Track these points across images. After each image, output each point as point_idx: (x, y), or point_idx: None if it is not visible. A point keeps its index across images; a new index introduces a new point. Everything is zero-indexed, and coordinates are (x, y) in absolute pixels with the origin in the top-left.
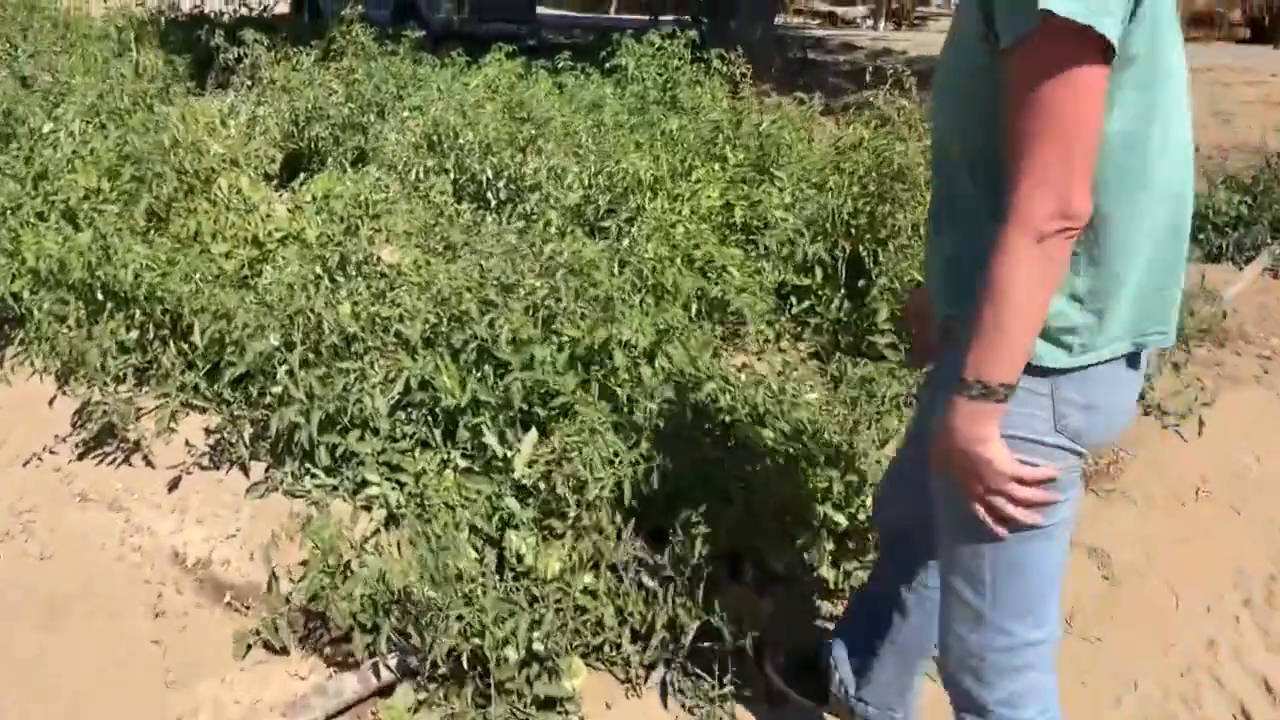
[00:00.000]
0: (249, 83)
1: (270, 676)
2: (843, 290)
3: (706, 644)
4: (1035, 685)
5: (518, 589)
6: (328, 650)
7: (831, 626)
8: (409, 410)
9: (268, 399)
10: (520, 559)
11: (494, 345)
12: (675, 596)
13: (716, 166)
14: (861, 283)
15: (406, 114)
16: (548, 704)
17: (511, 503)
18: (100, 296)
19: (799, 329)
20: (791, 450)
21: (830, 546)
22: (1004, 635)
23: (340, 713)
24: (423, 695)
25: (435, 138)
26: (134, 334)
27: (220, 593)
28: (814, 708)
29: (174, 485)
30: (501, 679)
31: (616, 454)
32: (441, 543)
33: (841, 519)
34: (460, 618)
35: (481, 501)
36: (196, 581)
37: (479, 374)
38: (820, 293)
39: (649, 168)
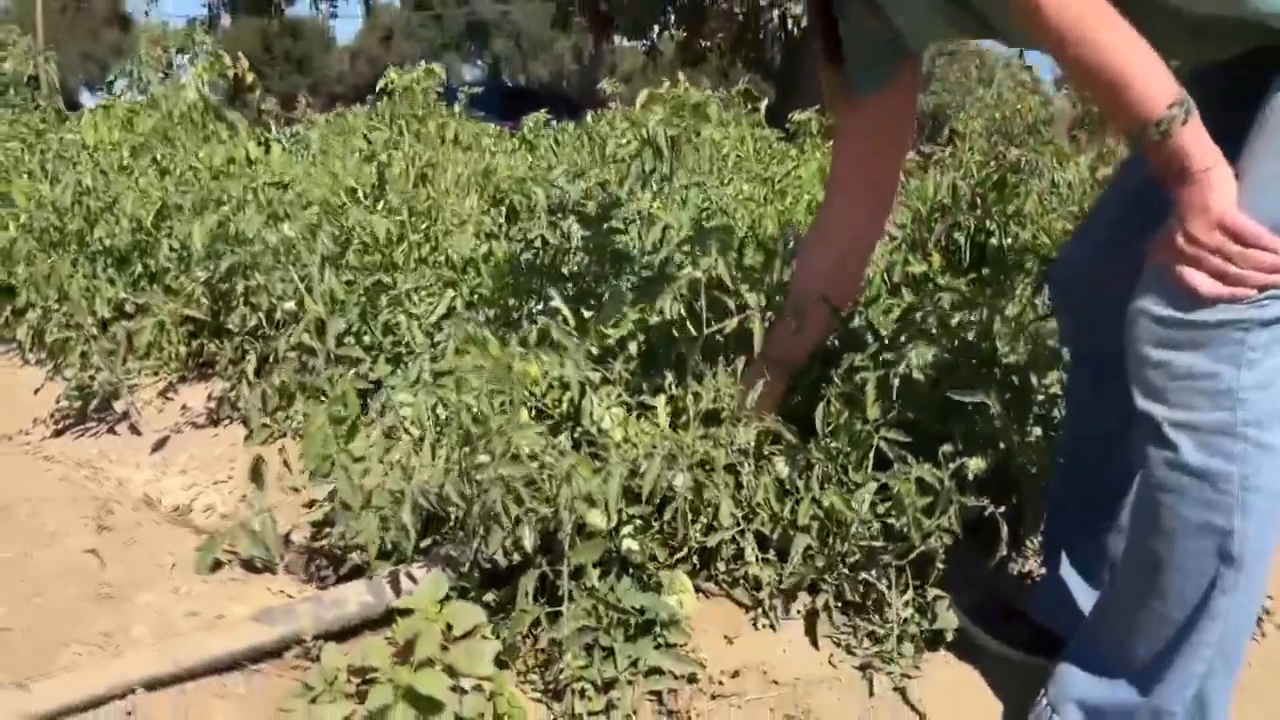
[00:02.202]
0: None
1: (246, 593)
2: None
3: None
4: None
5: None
6: (329, 575)
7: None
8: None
9: (279, 314)
10: (601, 430)
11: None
12: (826, 481)
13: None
14: (986, 270)
15: None
16: (643, 628)
17: (588, 372)
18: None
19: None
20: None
21: None
22: None
23: (341, 633)
24: (462, 589)
25: None
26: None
27: (197, 530)
28: (1014, 658)
29: (159, 445)
30: (580, 564)
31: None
32: (492, 424)
33: None
34: (513, 492)
35: (548, 382)
36: (164, 521)
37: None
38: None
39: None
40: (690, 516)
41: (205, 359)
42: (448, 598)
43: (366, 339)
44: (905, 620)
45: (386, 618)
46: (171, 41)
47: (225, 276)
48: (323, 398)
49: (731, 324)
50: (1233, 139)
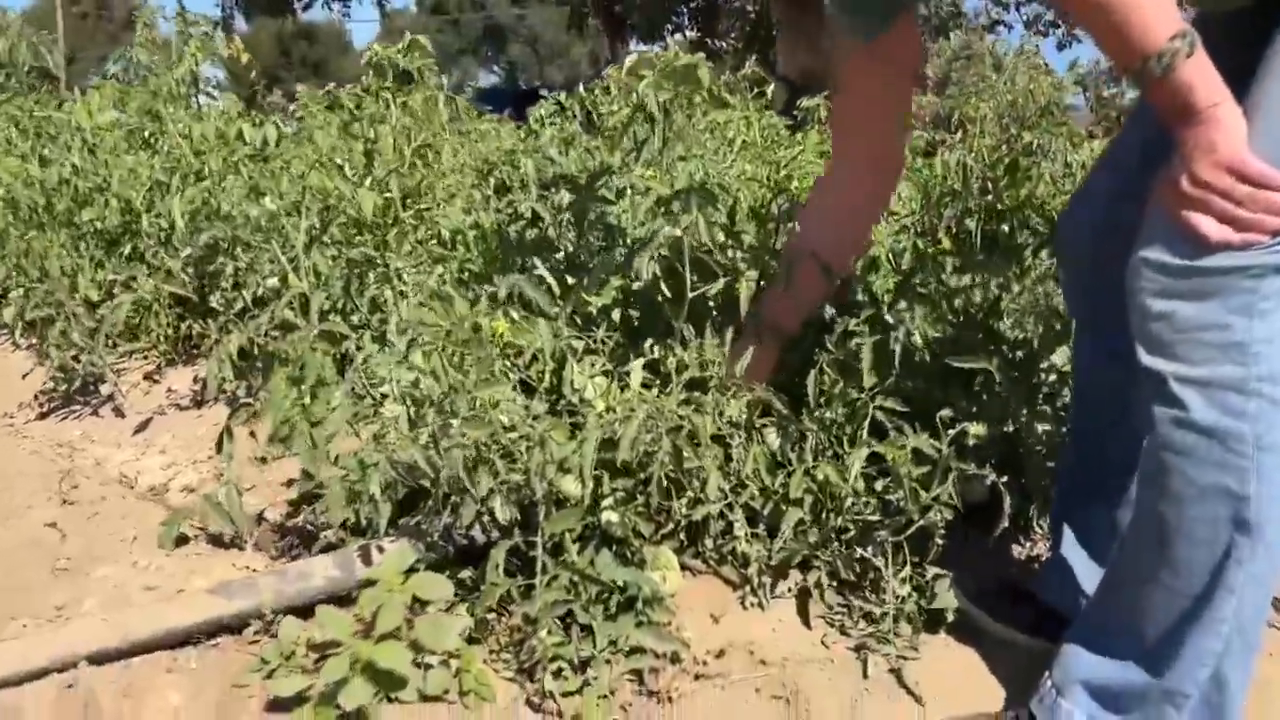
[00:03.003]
0: None
1: (210, 568)
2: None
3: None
4: None
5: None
6: (301, 553)
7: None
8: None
9: (261, 291)
10: (582, 399)
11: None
12: (818, 459)
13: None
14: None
15: None
16: (624, 605)
17: (570, 340)
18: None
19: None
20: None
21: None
22: None
23: (306, 609)
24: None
25: None
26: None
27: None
28: (1018, 641)
29: (142, 427)
30: (554, 533)
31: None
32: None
33: None
34: (484, 459)
35: (532, 352)
36: (138, 499)
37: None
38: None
39: None
40: (675, 490)
41: (194, 340)
42: (416, 570)
43: (355, 317)
44: (902, 599)
45: (354, 589)
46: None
47: (208, 254)
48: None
49: (717, 286)
50: (1241, 81)
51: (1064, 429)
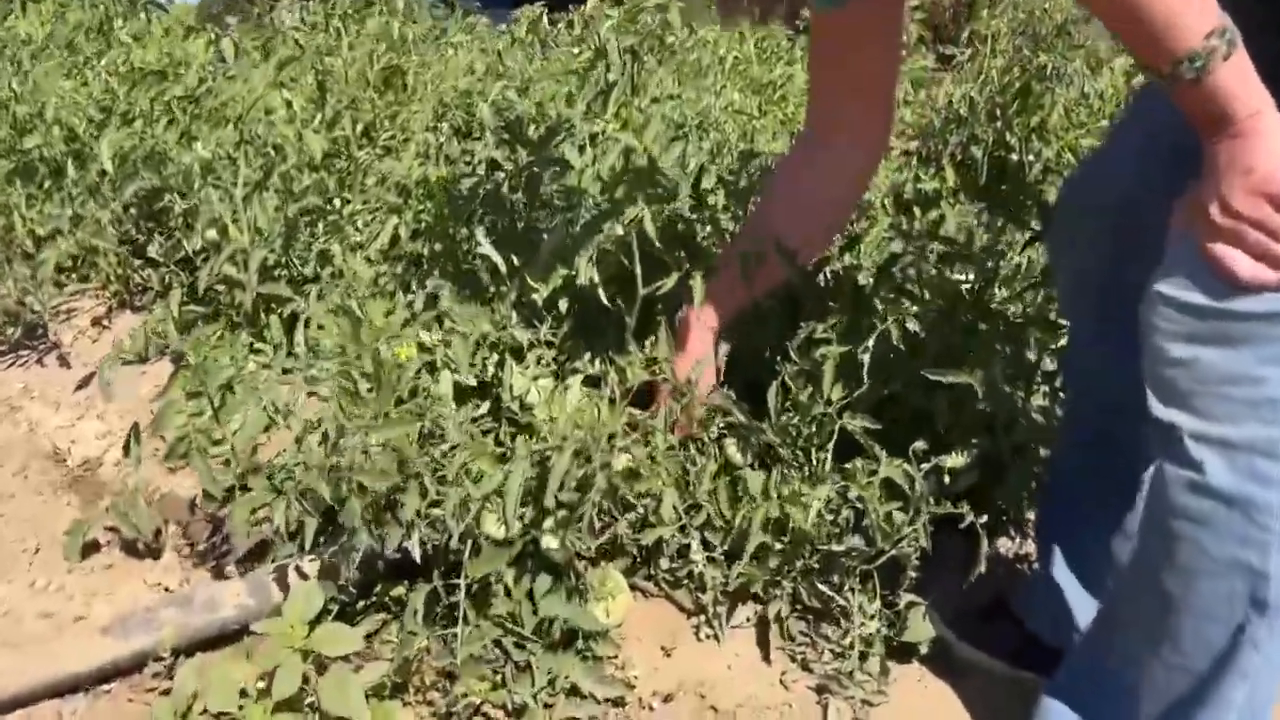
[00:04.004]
0: None
1: (119, 586)
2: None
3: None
4: None
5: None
6: (227, 564)
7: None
8: (396, 264)
9: (199, 244)
10: (524, 405)
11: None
12: (782, 481)
13: None
14: (1005, 187)
15: None
16: (564, 640)
17: (515, 331)
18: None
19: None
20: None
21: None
22: None
23: (214, 642)
24: (343, 609)
25: None
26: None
27: (97, 495)
28: (998, 671)
29: (85, 383)
30: (477, 576)
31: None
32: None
33: None
34: (421, 485)
35: (469, 341)
36: (67, 478)
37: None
38: (953, 200)
39: None
40: (623, 509)
41: (145, 283)
42: (326, 611)
43: (308, 269)
44: (871, 634)
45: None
46: None
47: (146, 199)
48: (253, 338)
49: (669, 283)
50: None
51: (1057, 420)
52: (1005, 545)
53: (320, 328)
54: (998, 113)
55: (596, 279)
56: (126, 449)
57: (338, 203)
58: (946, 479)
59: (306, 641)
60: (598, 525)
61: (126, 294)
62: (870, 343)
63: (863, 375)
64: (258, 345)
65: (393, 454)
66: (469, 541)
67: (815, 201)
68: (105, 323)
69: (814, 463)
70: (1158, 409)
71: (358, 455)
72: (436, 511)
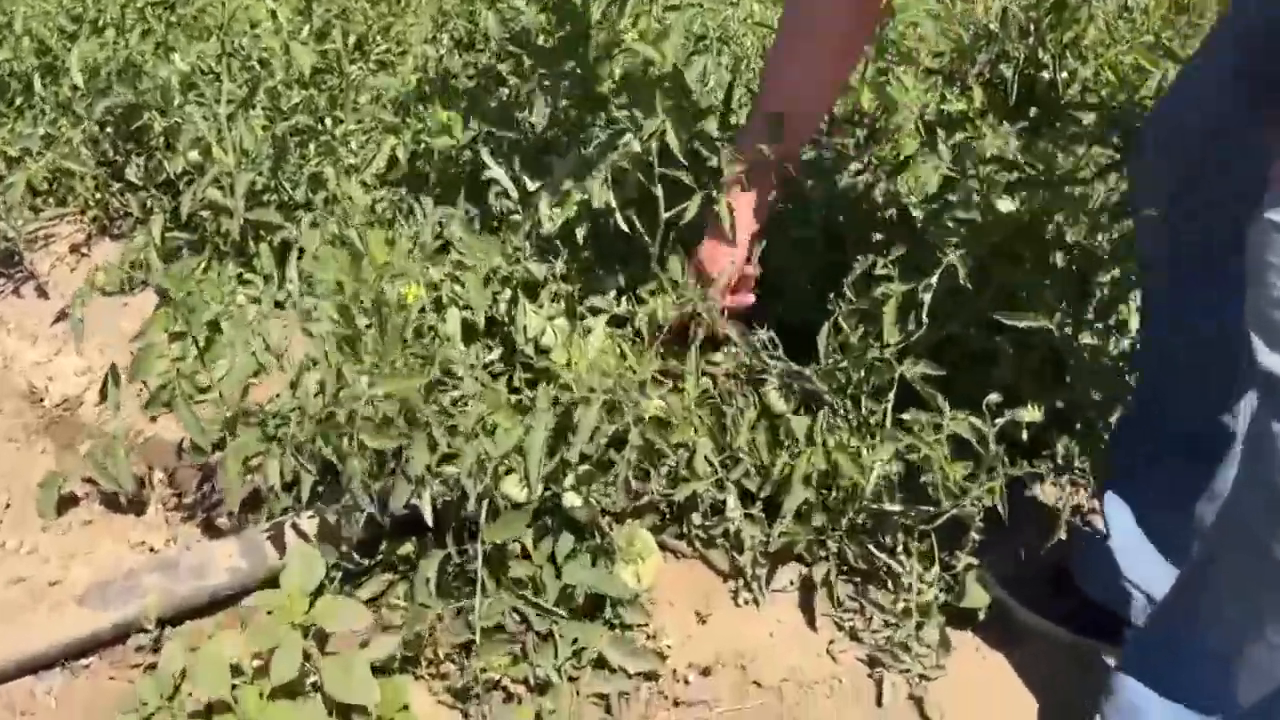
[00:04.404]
0: None
1: (98, 545)
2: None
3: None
4: None
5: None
6: (217, 516)
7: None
8: (393, 189)
9: (181, 166)
10: (540, 349)
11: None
12: (829, 429)
13: None
14: (1035, 111)
15: None
16: (590, 607)
17: (531, 265)
18: None
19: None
20: None
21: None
22: None
23: (205, 608)
24: (347, 571)
25: None
26: None
27: (76, 439)
28: (1060, 638)
29: (63, 315)
30: (495, 541)
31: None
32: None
33: None
34: (430, 437)
35: (479, 273)
36: (43, 420)
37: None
38: (981, 122)
39: None
40: (653, 461)
41: (126, 208)
42: (330, 580)
43: (299, 193)
44: (928, 601)
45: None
46: None
47: (121, 119)
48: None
49: (693, 206)
50: None
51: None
52: (1055, 495)
53: (315, 259)
54: (1030, 28)
55: (614, 202)
56: (104, 394)
57: (329, 122)
58: (1022, 434)
59: (307, 616)
60: (632, 484)
61: (106, 219)
62: (934, 280)
63: (921, 316)
64: (246, 276)
65: (398, 405)
66: (485, 502)
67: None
68: (84, 250)
69: (864, 411)
70: (1264, 356)
71: (361, 407)
72: (449, 469)
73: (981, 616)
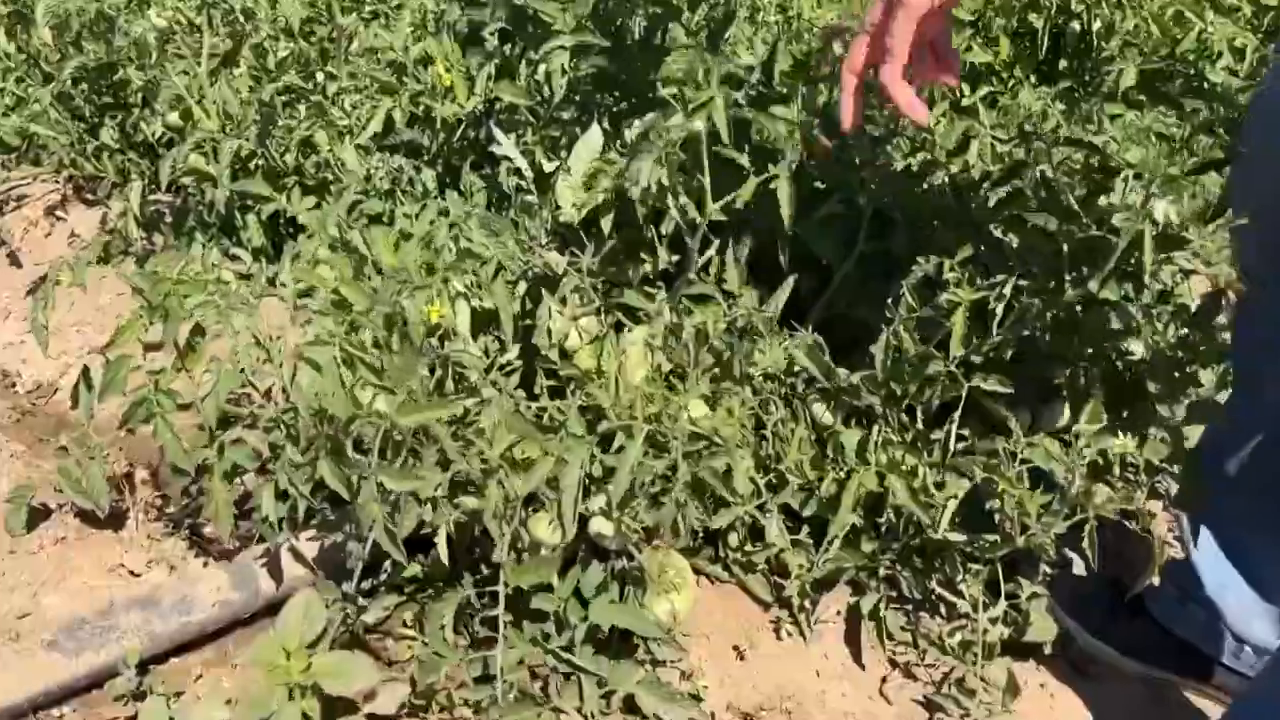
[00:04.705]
0: None
1: (73, 568)
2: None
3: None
4: None
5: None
6: (204, 526)
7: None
8: (391, 154)
9: (159, 130)
10: (565, 354)
11: None
12: (883, 445)
13: None
14: (1065, 64)
15: None
16: (618, 641)
17: (548, 255)
18: None
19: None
20: None
21: None
22: None
23: (189, 645)
24: (344, 614)
25: None
26: None
27: (51, 433)
28: (1132, 671)
29: (38, 285)
30: (518, 585)
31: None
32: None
33: None
34: (442, 454)
35: (492, 263)
36: (15, 412)
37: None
38: (1008, 75)
39: None
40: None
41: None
42: (329, 602)
43: (289, 158)
44: (992, 640)
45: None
46: None
47: (95, 75)
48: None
49: (746, 191)
50: None
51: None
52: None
53: (312, 263)
54: None
55: (669, 183)
56: (75, 398)
57: (321, 77)
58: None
59: (306, 673)
60: (680, 528)
61: (82, 179)
62: (1007, 289)
63: (992, 330)
64: (234, 250)
65: (421, 440)
66: (508, 540)
67: None
68: (60, 213)
69: (919, 424)
70: None
71: (375, 441)
72: (469, 501)
73: (1048, 651)
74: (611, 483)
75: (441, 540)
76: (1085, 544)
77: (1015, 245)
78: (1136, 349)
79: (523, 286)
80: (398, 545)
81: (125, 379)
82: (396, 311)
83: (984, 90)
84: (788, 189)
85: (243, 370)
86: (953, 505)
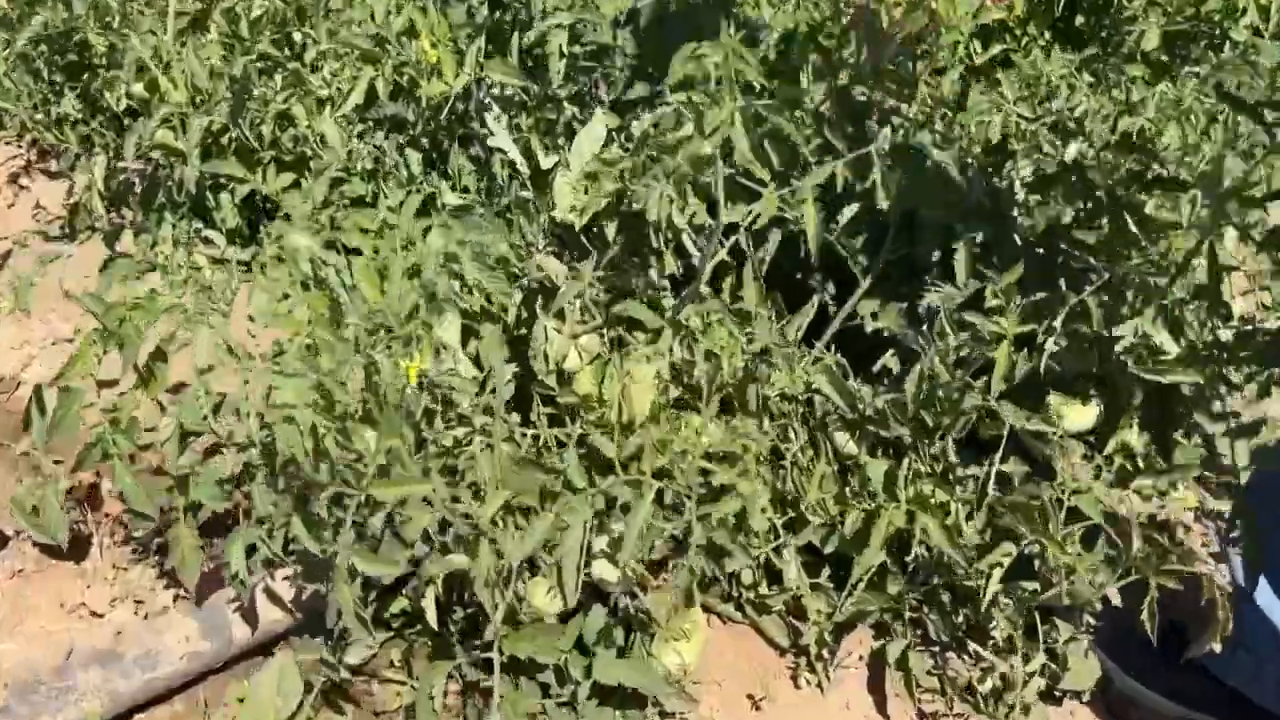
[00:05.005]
0: None
1: (30, 608)
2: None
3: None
4: None
5: (556, 446)
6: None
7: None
8: (373, 130)
9: (122, 100)
10: (564, 376)
11: None
12: (913, 479)
13: None
14: (1081, 20)
15: None
16: (623, 700)
17: (548, 261)
18: None
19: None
20: None
21: None
22: None
23: (156, 700)
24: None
25: None
26: None
27: (12, 438)
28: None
29: (2, 260)
30: (511, 652)
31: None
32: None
33: None
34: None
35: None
36: None
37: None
38: (1021, 33)
39: None
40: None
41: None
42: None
43: (264, 130)
44: (1029, 702)
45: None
46: None
47: (54, 41)
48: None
49: (761, 210)
50: None
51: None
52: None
53: (282, 299)
54: None
55: (680, 220)
56: (26, 421)
57: (298, 38)
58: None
59: None
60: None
61: (46, 145)
62: (1058, 322)
63: (1031, 355)
64: (207, 233)
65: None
66: (501, 614)
67: None
68: (23, 182)
69: (949, 459)
70: None
71: (352, 514)
72: (459, 559)
73: (1086, 698)
74: (620, 549)
75: (430, 604)
76: (1145, 615)
77: (1067, 270)
78: (1171, 347)
79: (517, 295)
80: (368, 629)
81: (79, 415)
82: (371, 367)
83: (997, 48)
84: (814, 215)
85: (204, 409)
86: (998, 574)
